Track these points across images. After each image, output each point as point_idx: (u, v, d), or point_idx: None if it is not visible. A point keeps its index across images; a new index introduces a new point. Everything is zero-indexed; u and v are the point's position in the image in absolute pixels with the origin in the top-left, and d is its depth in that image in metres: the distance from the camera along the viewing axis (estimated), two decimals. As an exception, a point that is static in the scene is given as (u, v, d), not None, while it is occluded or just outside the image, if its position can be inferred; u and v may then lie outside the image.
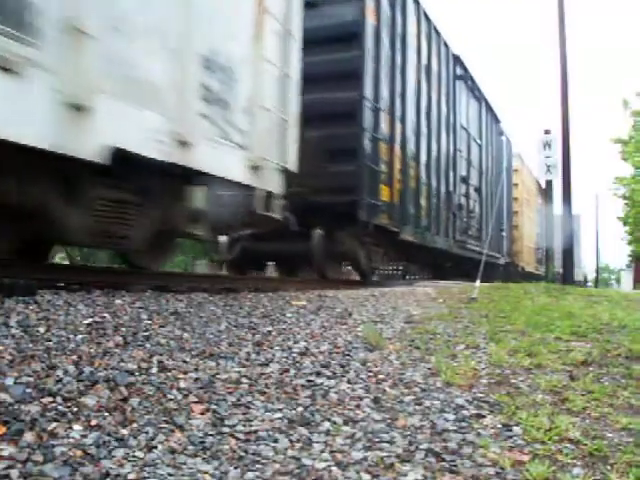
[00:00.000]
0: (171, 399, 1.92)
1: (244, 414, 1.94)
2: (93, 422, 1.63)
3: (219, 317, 3.14)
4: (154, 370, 2.10)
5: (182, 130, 3.72)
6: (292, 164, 5.15)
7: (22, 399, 1.62)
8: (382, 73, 7.59)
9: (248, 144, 4.49)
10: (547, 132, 10.45)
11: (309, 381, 2.35)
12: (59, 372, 1.84)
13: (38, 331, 2.15)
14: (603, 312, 4.76)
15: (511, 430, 1.93)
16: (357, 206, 6.96)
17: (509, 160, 16.69)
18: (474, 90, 12.90)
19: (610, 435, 1.93)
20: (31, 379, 1.74)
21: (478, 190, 13.33)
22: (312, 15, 6.57)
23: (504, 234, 15.81)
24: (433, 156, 9.91)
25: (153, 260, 5.11)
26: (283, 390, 2.21)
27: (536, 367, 2.78)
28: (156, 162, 3.51)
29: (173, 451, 1.60)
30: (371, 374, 2.55)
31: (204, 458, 1.60)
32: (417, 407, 2.15)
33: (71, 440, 1.51)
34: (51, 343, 2.06)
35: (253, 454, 1.66)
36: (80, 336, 2.21)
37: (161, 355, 2.26)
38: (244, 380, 2.23)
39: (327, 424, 1.93)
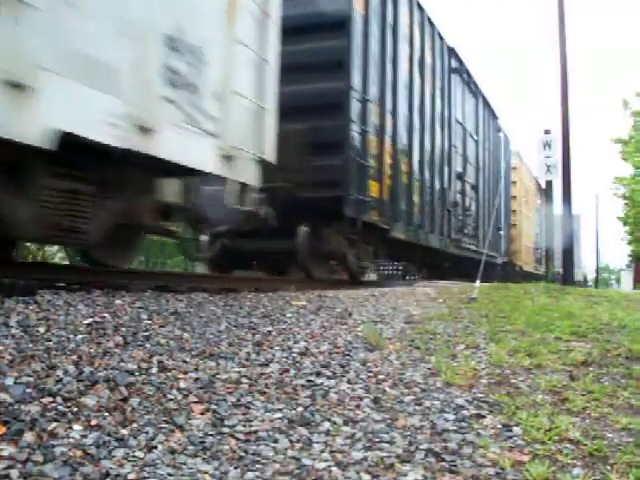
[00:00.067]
0: (171, 399, 1.92)
1: (244, 414, 1.94)
2: (93, 422, 1.63)
3: (219, 317, 3.14)
4: (154, 370, 2.10)
5: (142, 114, 3.40)
6: (270, 154, 4.77)
7: (22, 399, 1.63)
8: (371, 63, 7.23)
9: (220, 132, 4.14)
10: (547, 132, 10.42)
11: (309, 381, 2.35)
12: (59, 372, 1.84)
13: (38, 331, 2.15)
14: (603, 312, 4.75)
15: (511, 430, 1.93)
16: (343, 202, 6.62)
17: (507, 157, 16.38)
18: (470, 84, 12.50)
19: (610, 435, 1.93)
20: (31, 379, 1.74)
21: (475, 187, 12.96)
22: (297, 1, 6.38)
23: (502, 233, 15.52)
24: (427, 151, 9.51)
25: (117, 257, 4.81)
26: (283, 390, 2.22)
27: (536, 367, 2.78)
28: (116, 150, 3.23)
29: (173, 451, 1.60)
30: (371, 374, 2.55)
31: (204, 458, 1.60)
32: (417, 407, 2.15)
33: (71, 440, 1.52)
34: (51, 343, 2.06)
35: (253, 454, 1.66)
36: (80, 336, 2.21)
37: (161, 355, 2.26)
38: (244, 380, 2.23)
39: (327, 424, 1.93)
